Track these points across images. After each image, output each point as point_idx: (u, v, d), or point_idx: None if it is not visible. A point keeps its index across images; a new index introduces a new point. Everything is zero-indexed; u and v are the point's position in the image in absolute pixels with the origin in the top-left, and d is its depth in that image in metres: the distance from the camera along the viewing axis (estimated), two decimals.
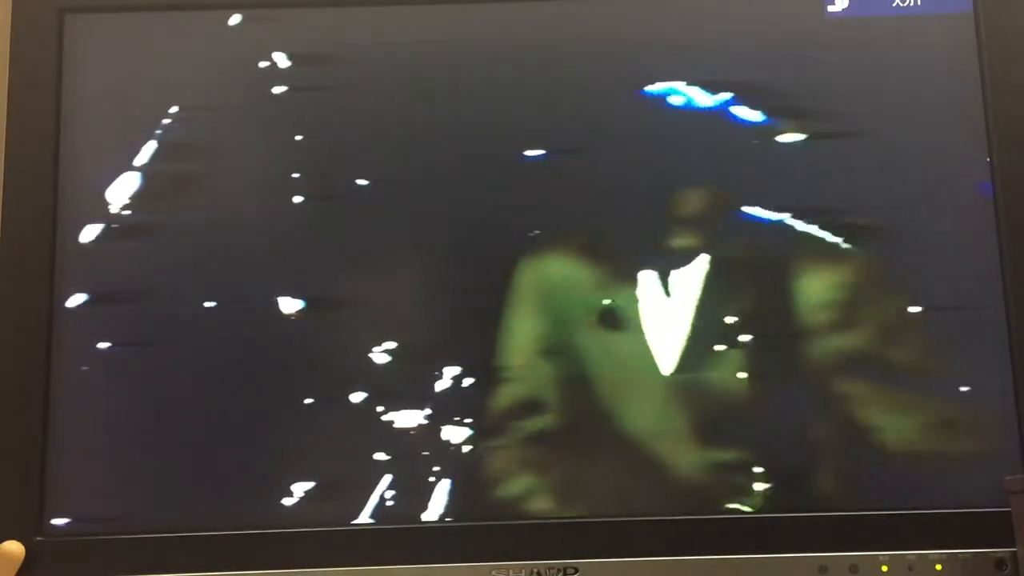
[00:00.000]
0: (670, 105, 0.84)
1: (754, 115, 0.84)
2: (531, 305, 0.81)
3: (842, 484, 0.79)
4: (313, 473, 0.80)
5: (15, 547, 0.77)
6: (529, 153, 0.83)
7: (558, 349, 0.81)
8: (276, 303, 0.82)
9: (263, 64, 0.85)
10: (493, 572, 0.77)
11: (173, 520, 0.79)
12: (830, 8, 0.85)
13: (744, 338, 0.80)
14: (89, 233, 0.83)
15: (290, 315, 0.82)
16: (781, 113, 0.84)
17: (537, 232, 0.82)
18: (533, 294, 0.82)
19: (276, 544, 0.78)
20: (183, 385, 0.81)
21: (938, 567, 0.76)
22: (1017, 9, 0.84)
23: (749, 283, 0.82)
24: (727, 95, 0.84)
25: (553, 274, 0.82)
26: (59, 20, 0.85)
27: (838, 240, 0.82)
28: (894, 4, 0.85)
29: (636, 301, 0.81)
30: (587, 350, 0.81)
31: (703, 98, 0.84)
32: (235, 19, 0.86)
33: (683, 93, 0.84)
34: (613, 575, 0.77)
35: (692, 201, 0.83)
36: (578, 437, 0.80)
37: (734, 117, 0.84)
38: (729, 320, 0.81)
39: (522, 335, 0.81)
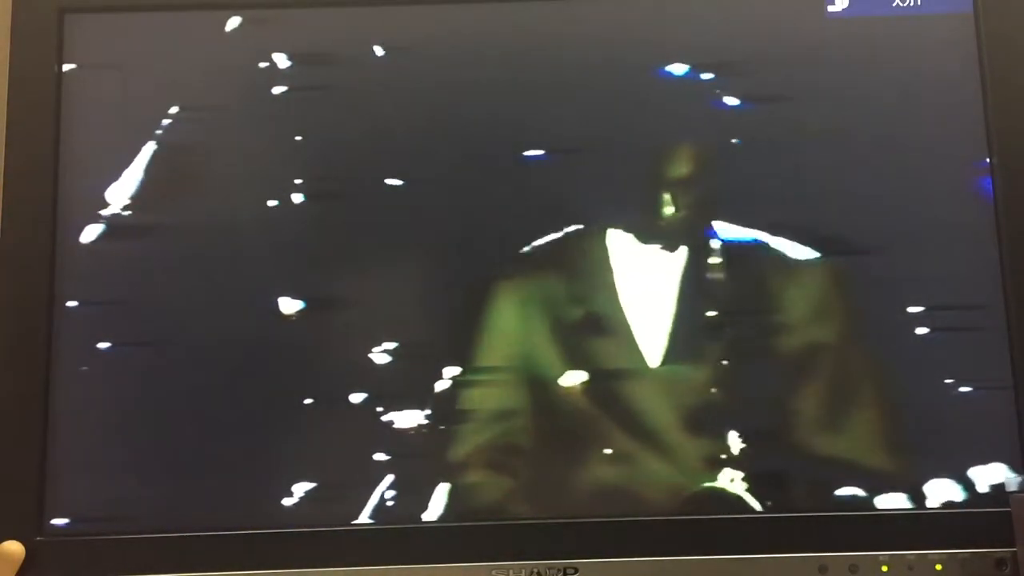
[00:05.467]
0: (667, 106, 0.84)
1: (754, 116, 0.84)
2: (529, 304, 0.82)
3: (842, 483, 0.79)
4: (313, 473, 0.80)
5: (15, 547, 0.77)
6: (529, 153, 0.83)
7: (555, 348, 0.81)
8: (276, 303, 0.82)
9: (263, 64, 0.85)
10: (493, 572, 0.77)
11: (173, 520, 0.79)
12: (830, 8, 0.85)
13: (734, 336, 0.81)
14: (89, 233, 0.83)
15: (290, 315, 0.82)
16: (781, 113, 0.84)
17: (534, 233, 0.82)
18: (532, 293, 0.82)
19: (276, 544, 0.78)
20: (183, 385, 0.81)
21: (938, 567, 0.76)
22: (1017, 9, 0.84)
23: (746, 282, 0.82)
24: (726, 95, 0.84)
25: (549, 272, 0.82)
26: (59, 20, 0.85)
27: (838, 240, 0.82)
28: (894, 4, 0.85)
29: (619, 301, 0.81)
30: (582, 349, 0.81)
31: (700, 99, 0.84)
32: (235, 19, 0.86)
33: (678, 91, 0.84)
34: (613, 575, 0.77)
35: (690, 198, 0.83)
36: (579, 437, 0.80)
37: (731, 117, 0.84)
38: (718, 318, 0.81)
39: (518, 335, 0.81)
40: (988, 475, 0.78)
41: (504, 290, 0.82)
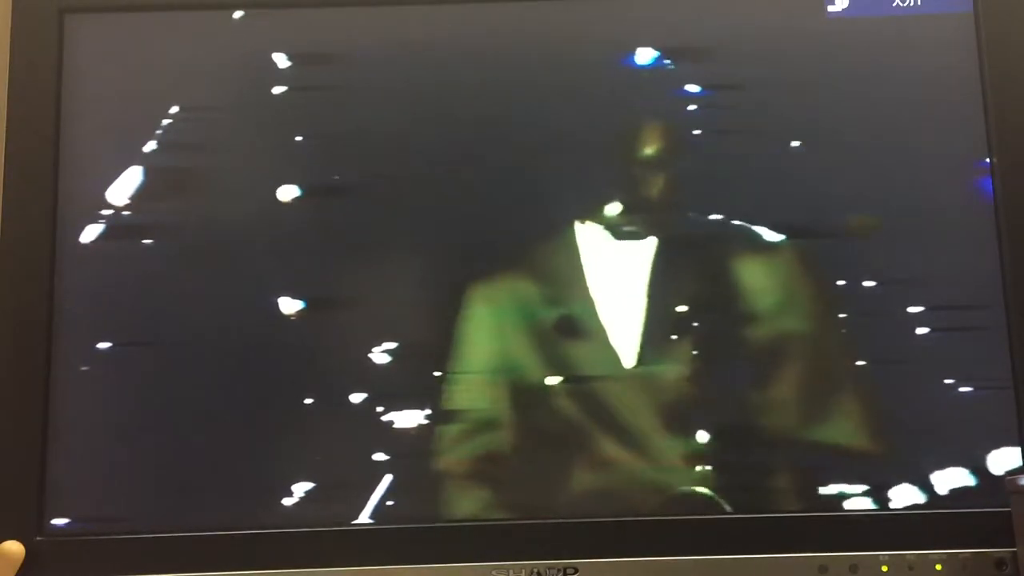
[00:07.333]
0: (672, 108, 0.84)
1: (754, 115, 0.84)
2: (517, 306, 0.82)
3: (842, 483, 0.79)
4: (313, 473, 0.80)
5: (15, 547, 0.77)
6: (527, 152, 0.83)
7: (551, 347, 0.81)
8: (276, 303, 0.82)
9: (263, 64, 0.85)
10: (493, 572, 0.77)
11: (173, 520, 0.79)
12: (830, 8, 0.85)
13: (732, 337, 0.81)
14: (89, 233, 0.83)
15: (290, 315, 0.82)
16: (781, 112, 0.83)
17: (532, 234, 0.83)
18: (519, 294, 0.82)
19: (276, 544, 0.78)
20: (183, 385, 0.81)
21: (938, 567, 0.76)
22: (1017, 9, 0.84)
23: (749, 282, 0.82)
24: (726, 95, 0.84)
25: (530, 273, 0.82)
26: (59, 20, 0.85)
27: (838, 240, 0.82)
28: (894, 4, 0.85)
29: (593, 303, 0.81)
30: (577, 348, 0.81)
31: (702, 100, 0.84)
32: (235, 19, 0.86)
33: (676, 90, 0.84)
34: (613, 575, 0.77)
35: (689, 196, 0.83)
36: (579, 437, 0.80)
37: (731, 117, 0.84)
38: (689, 314, 0.81)
39: (515, 335, 0.81)
40: (988, 475, 0.78)
41: (495, 291, 0.82)
